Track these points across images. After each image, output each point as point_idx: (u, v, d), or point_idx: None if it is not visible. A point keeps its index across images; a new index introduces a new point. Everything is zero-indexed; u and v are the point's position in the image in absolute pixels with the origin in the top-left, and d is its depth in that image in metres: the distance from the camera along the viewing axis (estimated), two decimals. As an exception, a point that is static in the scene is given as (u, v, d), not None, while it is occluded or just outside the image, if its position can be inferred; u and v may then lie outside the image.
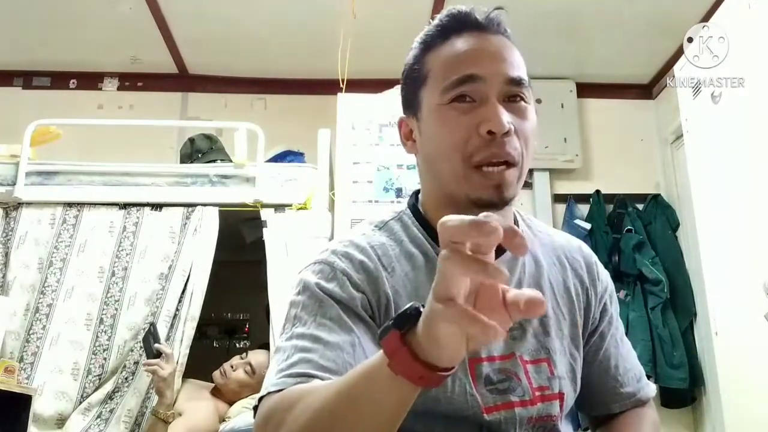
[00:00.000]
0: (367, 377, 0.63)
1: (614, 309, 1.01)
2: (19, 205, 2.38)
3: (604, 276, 1.01)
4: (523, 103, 0.84)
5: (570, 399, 0.91)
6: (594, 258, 1.01)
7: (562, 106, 3.51)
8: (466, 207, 0.82)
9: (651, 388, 1.01)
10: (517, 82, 0.83)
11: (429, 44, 0.89)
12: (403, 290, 0.84)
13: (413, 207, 0.94)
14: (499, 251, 0.81)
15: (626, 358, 1.01)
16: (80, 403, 2.17)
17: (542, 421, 0.87)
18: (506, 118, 0.80)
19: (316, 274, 0.85)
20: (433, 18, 0.94)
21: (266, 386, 0.76)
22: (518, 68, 0.84)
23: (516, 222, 0.93)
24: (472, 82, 0.82)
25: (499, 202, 0.82)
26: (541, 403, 0.86)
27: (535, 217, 1.03)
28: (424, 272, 0.86)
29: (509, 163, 0.81)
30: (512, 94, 0.83)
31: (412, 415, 0.72)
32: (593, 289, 0.97)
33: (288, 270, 2.29)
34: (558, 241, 0.99)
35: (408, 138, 0.93)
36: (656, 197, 3.40)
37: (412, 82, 0.91)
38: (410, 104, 0.91)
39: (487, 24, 0.87)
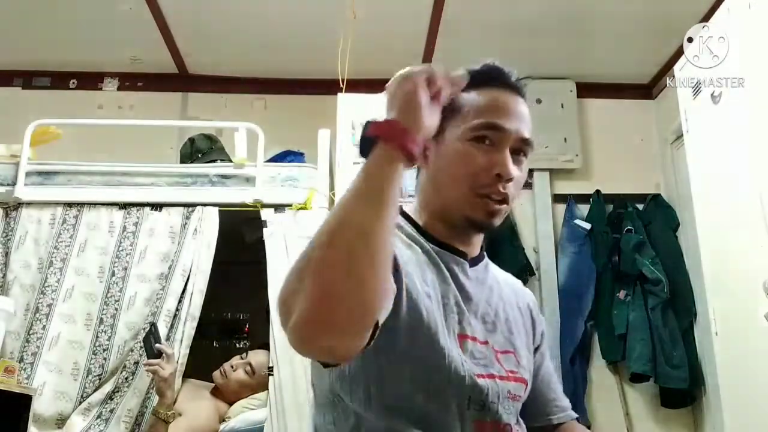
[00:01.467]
0: (351, 191, 0.76)
1: (546, 346, 1.19)
2: (19, 205, 2.38)
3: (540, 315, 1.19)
4: (523, 157, 1.01)
5: (528, 392, 1.05)
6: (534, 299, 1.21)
7: (562, 106, 3.51)
8: (458, 223, 1.00)
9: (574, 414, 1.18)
10: (527, 142, 1.00)
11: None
12: (410, 265, 0.92)
13: (404, 213, 1.05)
14: (473, 262, 1.03)
15: (558, 383, 1.19)
16: (80, 403, 2.17)
17: (515, 399, 1.00)
18: (512, 167, 0.97)
19: None
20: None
21: None
22: (529, 130, 1.01)
23: (482, 254, 1.08)
24: (496, 130, 0.98)
25: (487, 225, 0.99)
26: (514, 382, 1.00)
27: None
28: (425, 260, 0.98)
29: (504, 201, 0.98)
30: (519, 149, 1.00)
31: (410, 382, 0.89)
32: (536, 314, 1.16)
33: (288, 270, 2.28)
34: (507, 277, 1.17)
35: (425, 154, 1.02)
36: (656, 197, 3.40)
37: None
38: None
39: (516, 86, 1.02)
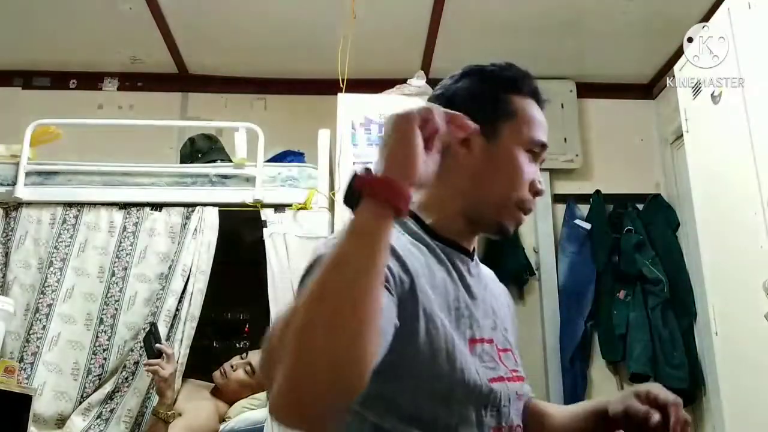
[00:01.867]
0: (340, 248, 0.70)
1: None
2: (19, 205, 2.38)
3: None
4: None
5: None
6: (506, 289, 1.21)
7: (562, 106, 3.51)
8: (484, 224, 1.01)
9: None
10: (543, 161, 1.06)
11: (510, 87, 1.03)
12: (421, 272, 0.90)
13: None
14: (471, 258, 1.02)
15: None
16: (80, 403, 2.17)
17: (520, 399, 1.00)
18: None
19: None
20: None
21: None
22: None
23: (474, 251, 1.06)
24: (543, 149, 1.03)
25: (509, 234, 1.02)
26: (517, 381, 0.99)
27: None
28: (433, 260, 0.95)
29: (528, 213, 1.02)
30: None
31: (430, 397, 0.87)
32: (512, 307, 1.16)
33: (288, 270, 2.29)
34: (487, 269, 1.15)
35: (464, 145, 0.98)
36: (656, 197, 3.40)
37: (489, 108, 1.00)
38: (482, 124, 0.93)
39: (544, 104, 1.06)
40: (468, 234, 1.02)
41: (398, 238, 0.93)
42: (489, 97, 1.01)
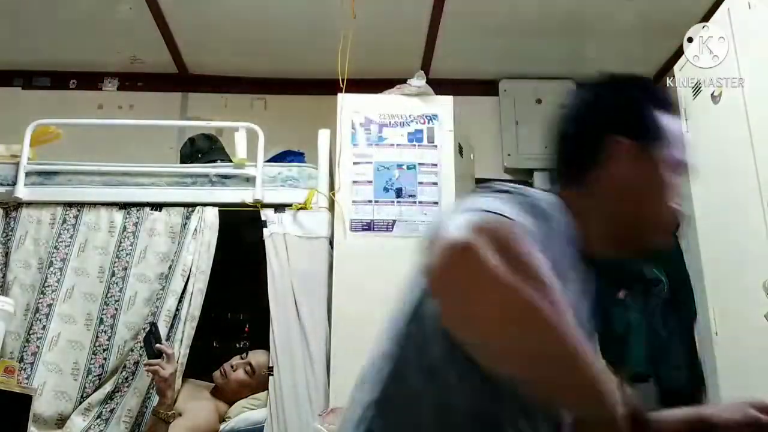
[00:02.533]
0: None
1: None
2: (19, 205, 2.38)
3: None
4: None
5: None
6: None
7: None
8: (634, 246, 1.01)
9: None
10: None
11: (660, 108, 0.96)
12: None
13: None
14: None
15: None
16: (80, 403, 2.17)
17: None
18: None
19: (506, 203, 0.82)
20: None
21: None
22: None
23: None
24: (684, 170, 0.96)
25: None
26: None
27: None
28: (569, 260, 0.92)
29: None
30: None
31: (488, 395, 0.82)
32: None
33: (288, 270, 2.29)
34: None
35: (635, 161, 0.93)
36: (656, 197, 3.40)
37: (646, 124, 0.95)
38: (635, 139, 0.93)
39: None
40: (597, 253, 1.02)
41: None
42: (644, 110, 0.96)
